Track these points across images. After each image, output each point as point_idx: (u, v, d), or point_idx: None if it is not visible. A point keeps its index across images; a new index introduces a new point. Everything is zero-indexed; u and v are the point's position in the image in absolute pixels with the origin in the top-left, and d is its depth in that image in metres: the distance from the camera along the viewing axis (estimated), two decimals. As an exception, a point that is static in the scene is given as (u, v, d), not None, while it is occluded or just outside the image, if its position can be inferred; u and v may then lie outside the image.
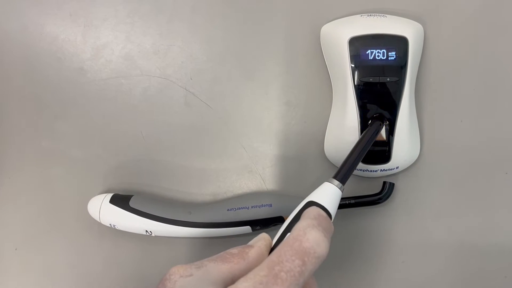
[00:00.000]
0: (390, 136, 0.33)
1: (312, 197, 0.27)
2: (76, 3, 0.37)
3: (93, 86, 0.37)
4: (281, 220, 0.33)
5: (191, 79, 0.36)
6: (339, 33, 0.33)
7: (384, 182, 0.34)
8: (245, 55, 0.36)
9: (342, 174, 0.29)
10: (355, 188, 0.35)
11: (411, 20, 0.34)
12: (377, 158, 0.33)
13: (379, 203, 0.34)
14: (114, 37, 0.37)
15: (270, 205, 0.33)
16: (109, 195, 0.35)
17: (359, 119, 0.33)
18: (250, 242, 0.26)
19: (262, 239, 0.26)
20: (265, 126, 0.36)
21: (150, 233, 0.34)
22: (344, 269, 0.35)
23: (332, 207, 0.27)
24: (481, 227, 0.35)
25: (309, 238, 0.22)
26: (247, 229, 0.33)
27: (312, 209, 0.25)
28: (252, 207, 0.33)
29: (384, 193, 0.34)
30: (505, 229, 0.35)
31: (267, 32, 0.36)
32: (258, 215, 0.33)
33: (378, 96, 0.32)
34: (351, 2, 0.35)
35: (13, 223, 0.38)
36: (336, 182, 0.28)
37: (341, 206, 0.34)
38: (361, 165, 0.34)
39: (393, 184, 0.34)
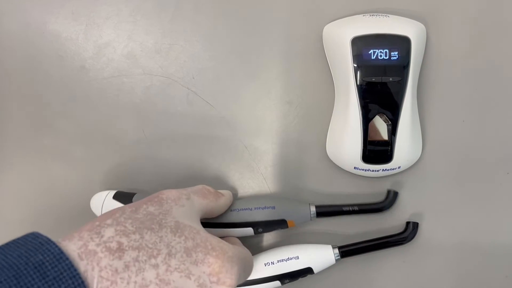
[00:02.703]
0: (392, 136, 0.33)
1: (311, 256, 0.33)
2: (78, 2, 0.37)
3: (95, 85, 0.37)
4: (283, 223, 0.33)
5: (193, 78, 0.36)
6: (342, 33, 0.33)
7: (389, 191, 0.34)
8: (247, 54, 0.36)
9: (347, 250, 0.33)
10: (356, 187, 0.35)
11: (413, 20, 0.34)
12: (379, 158, 0.33)
13: (381, 211, 0.34)
14: (116, 35, 0.37)
15: (273, 208, 0.33)
16: (113, 192, 0.35)
17: (361, 119, 0.33)
18: (221, 191, 0.33)
19: (229, 195, 0.33)
20: (267, 125, 0.36)
21: (152, 232, 0.34)
22: (344, 269, 0.35)
23: (318, 267, 0.33)
24: (483, 227, 0.35)
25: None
26: (249, 230, 0.33)
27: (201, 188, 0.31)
28: (255, 208, 0.33)
29: (387, 201, 0.34)
30: (506, 229, 0.35)
31: (269, 32, 0.36)
32: (260, 217, 0.32)
33: (381, 96, 0.32)
34: (353, 1, 0.35)
35: (15, 221, 0.38)
36: (336, 251, 0.33)
37: (344, 213, 0.34)
38: (363, 165, 0.34)
39: (397, 192, 0.34)
